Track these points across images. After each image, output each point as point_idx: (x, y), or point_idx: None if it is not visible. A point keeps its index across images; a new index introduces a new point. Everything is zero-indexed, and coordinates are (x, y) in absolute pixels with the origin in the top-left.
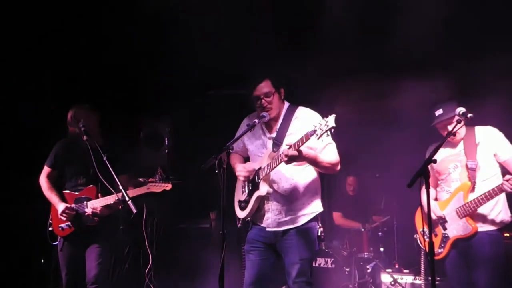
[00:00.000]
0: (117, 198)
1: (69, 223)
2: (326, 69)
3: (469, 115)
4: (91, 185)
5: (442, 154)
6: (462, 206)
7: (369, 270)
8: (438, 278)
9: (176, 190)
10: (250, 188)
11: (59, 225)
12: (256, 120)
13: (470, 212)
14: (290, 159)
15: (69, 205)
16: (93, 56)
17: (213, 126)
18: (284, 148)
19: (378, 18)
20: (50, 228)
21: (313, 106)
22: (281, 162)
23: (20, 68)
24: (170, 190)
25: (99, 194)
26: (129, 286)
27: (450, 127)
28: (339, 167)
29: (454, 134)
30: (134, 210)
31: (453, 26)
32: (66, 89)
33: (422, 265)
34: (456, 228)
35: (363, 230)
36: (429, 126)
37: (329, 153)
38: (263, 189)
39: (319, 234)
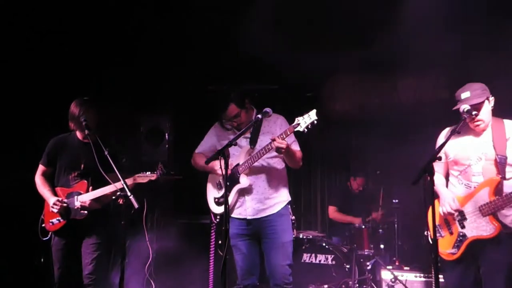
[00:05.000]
0: (114, 188)
1: (59, 218)
2: (326, 67)
3: (473, 113)
4: (82, 180)
5: (463, 142)
6: (488, 203)
7: (369, 267)
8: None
9: (177, 185)
10: (228, 183)
11: (50, 220)
12: (259, 116)
13: (495, 211)
14: (278, 149)
15: (60, 198)
16: (93, 52)
17: (214, 121)
18: (265, 141)
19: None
20: (42, 225)
21: (313, 104)
22: (264, 154)
23: (21, 66)
24: (169, 184)
25: (90, 188)
26: (129, 281)
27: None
28: (301, 163)
29: (459, 132)
30: (136, 205)
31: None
32: (67, 87)
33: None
34: (477, 227)
35: (363, 227)
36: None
37: (296, 149)
38: (244, 182)
39: (293, 221)
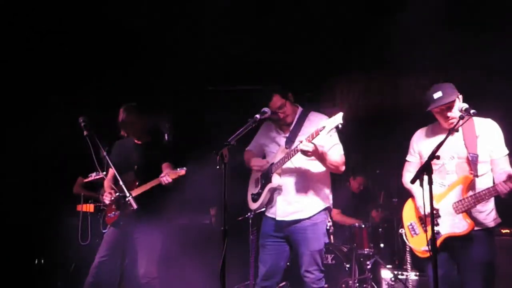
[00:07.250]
0: (158, 182)
1: (115, 212)
2: (327, 65)
3: (471, 111)
4: (134, 178)
5: (436, 142)
6: (461, 201)
7: (369, 266)
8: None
9: (176, 185)
10: (263, 181)
11: (109, 214)
12: (257, 116)
13: (469, 208)
14: (304, 152)
15: (112, 191)
16: (93, 52)
17: (213, 121)
18: (296, 143)
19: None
20: (105, 218)
21: (315, 103)
22: (293, 156)
23: (21, 66)
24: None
25: (136, 183)
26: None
27: (449, 114)
28: (343, 167)
29: (457, 130)
30: (135, 206)
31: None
32: (68, 85)
33: (408, 263)
34: (450, 224)
35: (363, 226)
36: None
37: (335, 153)
38: (275, 181)
39: (328, 228)
